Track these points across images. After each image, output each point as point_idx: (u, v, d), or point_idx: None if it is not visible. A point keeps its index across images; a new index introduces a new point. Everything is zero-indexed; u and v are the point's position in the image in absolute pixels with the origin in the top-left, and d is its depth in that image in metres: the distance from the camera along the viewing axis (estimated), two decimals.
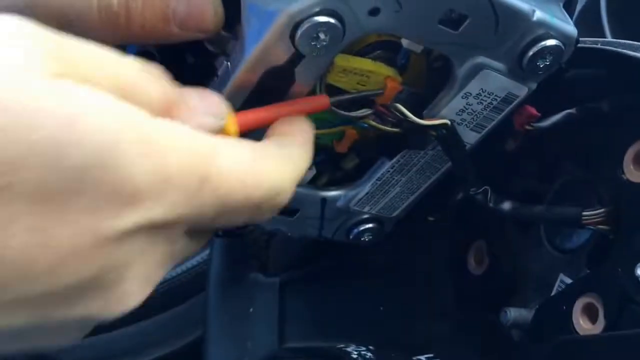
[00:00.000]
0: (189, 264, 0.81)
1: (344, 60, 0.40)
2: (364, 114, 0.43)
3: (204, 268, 0.77)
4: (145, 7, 0.38)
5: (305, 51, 0.37)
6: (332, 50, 0.38)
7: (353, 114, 0.43)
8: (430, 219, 0.49)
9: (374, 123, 0.43)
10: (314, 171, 0.48)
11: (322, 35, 0.36)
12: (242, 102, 0.39)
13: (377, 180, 0.48)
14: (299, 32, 0.36)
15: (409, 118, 0.42)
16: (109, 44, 0.42)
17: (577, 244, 0.51)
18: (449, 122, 0.43)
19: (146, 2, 0.38)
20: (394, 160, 0.47)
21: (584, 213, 0.46)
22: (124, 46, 0.43)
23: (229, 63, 0.39)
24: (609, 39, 0.45)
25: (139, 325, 0.81)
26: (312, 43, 0.37)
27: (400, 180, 0.48)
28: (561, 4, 0.41)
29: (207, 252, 0.76)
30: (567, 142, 0.49)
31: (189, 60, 0.43)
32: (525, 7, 0.39)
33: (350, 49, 0.40)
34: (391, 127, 0.43)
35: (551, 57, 0.40)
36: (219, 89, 0.39)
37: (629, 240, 0.44)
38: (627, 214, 0.44)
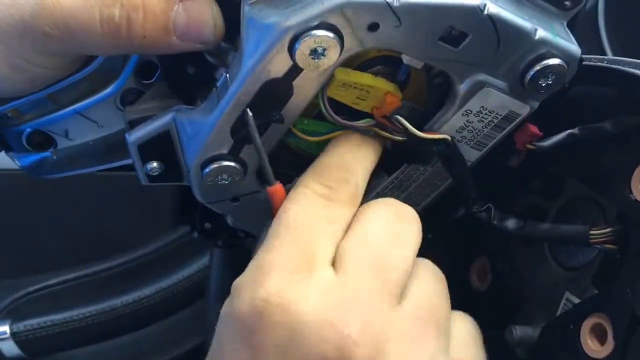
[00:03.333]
0: (185, 273, 0.81)
1: (344, 74, 0.40)
2: (367, 124, 0.42)
3: (201, 277, 0.77)
4: (147, 18, 0.39)
5: (304, 65, 0.37)
6: (330, 65, 0.37)
7: (356, 124, 0.42)
8: (429, 236, 0.49)
9: (377, 129, 0.43)
10: None
11: (320, 49, 0.36)
12: (240, 113, 0.39)
13: (375, 195, 0.47)
14: (297, 46, 0.36)
15: (409, 130, 0.42)
16: (111, 53, 0.42)
17: (583, 261, 0.50)
18: (449, 138, 0.43)
19: (147, 14, 0.39)
20: (393, 176, 0.46)
21: (592, 232, 0.45)
22: (126, 56, 0.44)
23: (227, 74, 0.39)
24: (615, 57, 0.44)
25: (138, 334, 0.81)
26: (310, 57, 0.36)
27: (400, 196, 0.47)
28: (565, 23, 0.40)
29: (204, 260, 0.77)
30: (572, 160, 0.48)
31: (189, 70, 0.43)
32: (527, 25, 0.38)
33: (351, 63, 0.40)
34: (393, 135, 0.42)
35: (554, 76, 0.40)
36: (217, 100, 0.40)
37: (638, 262, 0.43)
38: (636, 235, 0.43)
